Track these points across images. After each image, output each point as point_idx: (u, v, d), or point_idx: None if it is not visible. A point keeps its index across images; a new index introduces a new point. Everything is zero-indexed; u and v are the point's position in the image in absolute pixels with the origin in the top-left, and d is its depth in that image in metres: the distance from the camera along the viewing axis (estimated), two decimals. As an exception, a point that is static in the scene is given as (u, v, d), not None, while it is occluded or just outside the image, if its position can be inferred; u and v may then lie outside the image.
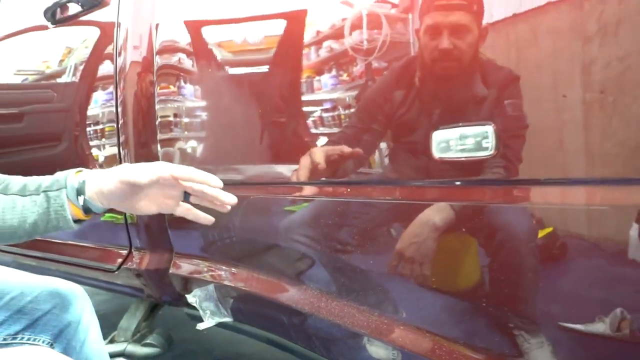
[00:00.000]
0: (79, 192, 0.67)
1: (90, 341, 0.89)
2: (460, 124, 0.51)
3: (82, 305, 0.90)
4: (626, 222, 0.43)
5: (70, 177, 0.68)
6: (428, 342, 0.58)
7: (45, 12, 1.26)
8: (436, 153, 0.53)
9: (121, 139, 1.17)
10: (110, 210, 0.79)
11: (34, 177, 0.72)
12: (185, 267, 1.11)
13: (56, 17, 1.26)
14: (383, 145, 0.63)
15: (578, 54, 0.47)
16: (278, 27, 0.89)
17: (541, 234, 0.49)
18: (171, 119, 1.12)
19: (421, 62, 0.57)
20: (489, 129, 0.48)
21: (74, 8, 1.22)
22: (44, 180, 0.70)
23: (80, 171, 0.71)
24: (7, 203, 0.68)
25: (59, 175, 0.70)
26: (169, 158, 1.10)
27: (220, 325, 1.04)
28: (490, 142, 0.48)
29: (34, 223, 0.67)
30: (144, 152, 1.14)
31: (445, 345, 0.57)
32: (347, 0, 0.71)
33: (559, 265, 0.49)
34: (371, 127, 0.63)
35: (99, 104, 1.29)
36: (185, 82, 1.10)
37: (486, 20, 0.52)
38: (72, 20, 1.25)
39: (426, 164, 0.55)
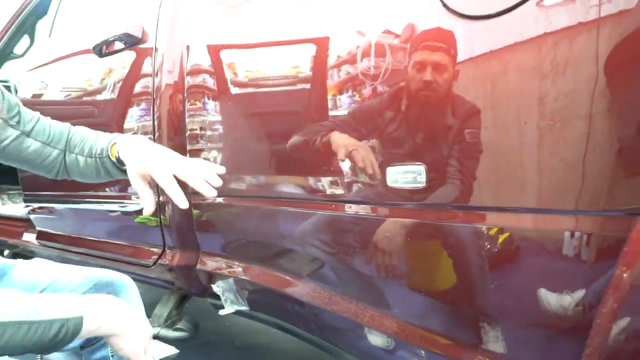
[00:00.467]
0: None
1: None
2: (403, 164, 0.67)
3: (131, 294, 1.01)
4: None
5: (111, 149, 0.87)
6: (392, 322, 0.74)
7: (94, 48, 1.40)
8: (389, 183, 0.69)
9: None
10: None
11: (87, 137, 0.92)
12: (209, 263, 1.23)
13: (102, 52, 1.40)
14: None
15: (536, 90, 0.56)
16: (288, 52, 1.00)
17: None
18: (198, 132, 1.22)
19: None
20: (422, 169, 0.64)
21: (118, 44, 1.35)
22: (94, 146, 0.90)
23: (114, 144, 0.87)
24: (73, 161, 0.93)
25: (103, 144, 0.88)
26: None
27: (237, 312, 1.18)
28: (422, 178, 0.64)
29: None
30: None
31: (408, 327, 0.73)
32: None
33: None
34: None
35: (135, 118, 1.39)
36: (209, 100, 1.19)
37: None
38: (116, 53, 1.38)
39: (384, 190, 0.71)
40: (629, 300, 0.45)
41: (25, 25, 2.42)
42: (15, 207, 2.42)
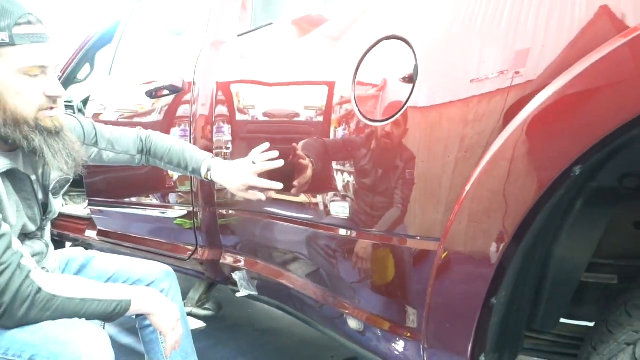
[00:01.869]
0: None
1: (175, 302, 1.19)
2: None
3: (171, 281, 1.24)
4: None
5: (202, 169, 1.22)
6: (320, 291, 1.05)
7: (146, 93, 1.69)
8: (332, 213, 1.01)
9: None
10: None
11: (174, 150, 1.25)
12: (229, 259, 1.49)
13: (152, 96, 1.69)
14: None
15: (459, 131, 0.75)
16: (285, 90, 1.20)
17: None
18: (222, 150, 1.44)
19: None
20: (347, 205, 0.96)
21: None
22: (188, 162, 1.24)
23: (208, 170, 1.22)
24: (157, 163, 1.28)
25: (195, 162, 1.23)
26: None
27: (249, 296, 1.45)
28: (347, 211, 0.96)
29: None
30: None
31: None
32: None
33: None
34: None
35: (175, 137, 1.58)
36: (229, 124, 1.40)
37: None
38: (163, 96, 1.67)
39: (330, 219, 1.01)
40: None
41: (87, 55, 2.79)
42: (77, 208, 2.62)
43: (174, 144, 1.30)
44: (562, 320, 0.94)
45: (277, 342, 2.10)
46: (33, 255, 0.99)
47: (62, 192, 1.12)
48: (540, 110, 0.65)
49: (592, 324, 0.90)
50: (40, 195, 1.03)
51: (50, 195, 1.07)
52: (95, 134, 1.24)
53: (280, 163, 1.13)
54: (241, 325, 2.28)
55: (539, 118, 0.66)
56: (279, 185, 1.13)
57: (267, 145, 1.17)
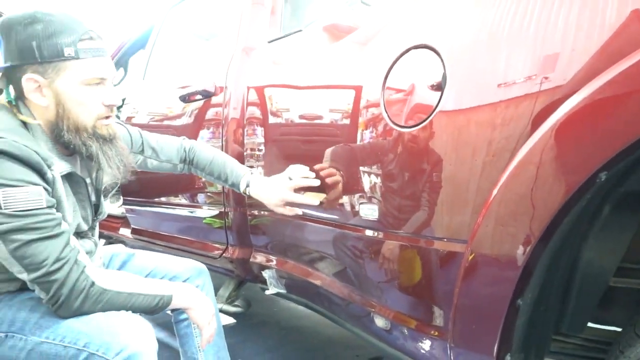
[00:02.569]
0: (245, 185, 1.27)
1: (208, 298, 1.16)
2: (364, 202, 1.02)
3: (204, 278, 1.29)
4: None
5: (242, 184, 1.27)
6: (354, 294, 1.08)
7: (180, 98, 1.75)
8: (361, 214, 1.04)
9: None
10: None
11: (215, 162, 1.30)
12: (259, 258, 1.52)
13: (185, 100, 1.74)
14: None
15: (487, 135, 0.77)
16: (313, 94, 1.23)
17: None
18: (252, 151, 1.48)
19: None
20: (376, 207, 0.99)
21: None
22: (228, 175, 1.29)
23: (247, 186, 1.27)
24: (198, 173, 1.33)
25: (235, 177, 1.28)
26: None
27: (277, 294, 1.49)
28: (376, 214, 0.99)
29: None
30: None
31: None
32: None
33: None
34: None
35: (206, 139, 1.67)
36: (260, 127, 1.45)
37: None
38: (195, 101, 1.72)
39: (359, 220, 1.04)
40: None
41: (122, 60, 2.90)
42: (112, 206, 2.65)
43: (216, 156, 1.35)
44: (590, 324, 0.94)
45: (303, 340, 2.13)
46: None
47: (110, 194, 1.19)
48: (569, 115, 0.66)
49: (619, 329, 0.90)
50: (93, 197, 1.10)
51: (102, 197, 1.14)
52: (142, 142, 1.31)
53: (317, 182, 1.17)
54: (268, 322, 2.32)
55: (568, 123, 0.67)
56: (315, 201, 1.16)
57: (306, 168, 1.22)
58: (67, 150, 1.02)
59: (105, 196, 1.16)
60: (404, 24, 1.00)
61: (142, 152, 1.31)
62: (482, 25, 0.83)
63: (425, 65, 0.91)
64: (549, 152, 0.69)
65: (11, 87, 0.96)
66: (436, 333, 0.92)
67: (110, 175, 1.09)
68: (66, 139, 0.96)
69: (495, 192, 0.76)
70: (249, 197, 1.29)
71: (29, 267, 0.86)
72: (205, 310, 1.08)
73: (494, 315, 0.77)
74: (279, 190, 1.23)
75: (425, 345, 0.95)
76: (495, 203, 0.76)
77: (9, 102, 0.97)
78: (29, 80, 0.93)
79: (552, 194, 0.69)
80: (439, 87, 0.87)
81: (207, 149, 1.37)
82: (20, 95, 0.96)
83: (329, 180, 1.17)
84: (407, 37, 0.97)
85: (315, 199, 1.17)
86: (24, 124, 0.96)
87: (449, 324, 0.85)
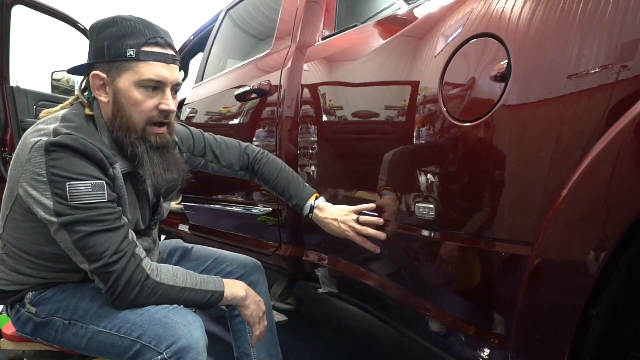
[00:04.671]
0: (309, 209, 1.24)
1: (262, 295, 1.26)
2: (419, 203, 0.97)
3: (259, 275, 1.31)
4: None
5: (305, 208, 1.25)
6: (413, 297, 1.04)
7: (236, 97, 1.79)
8: (417, 214, 0.99)
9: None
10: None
11: (280, 179, 1.27)
12: (312, 256, 1.52)
13: (242, 99, 1.78)
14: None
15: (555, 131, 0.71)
16: (367, 91, 1.20)
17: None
18: (306, 150, 1.48)
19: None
20: (433, 206, 0.94)
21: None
22: (292, 195, 1.25)
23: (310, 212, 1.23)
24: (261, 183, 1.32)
25: (299, 199, 1.24)
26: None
27: (329, 293, 1.48)
28: (433, 213, 0.94)
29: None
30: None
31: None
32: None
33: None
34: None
35: (261, 138, 1.71)
36: (314, 125, 1.43)
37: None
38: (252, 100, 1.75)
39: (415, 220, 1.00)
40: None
41: (182, 63, 2.94)
42: (172, 203, 2.75)
43: (282, 172, 1.31)
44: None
45: (354, 340, 2.11)
46: None
47: (171, 196, 1.22)
48: (652, 108, 0.60)
49: None
50: (152, 198, 1.13)
51: (161, 198, 1.17)
52: (204, 146, 1.31)
53: (383, 236, 1.11)
54: (320, 322, 2.32)
55: (651, 117, 0.60)
56: (382, 236, 1.11)
57: (373, 206, 1.16)
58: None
59: (165, 197, 1.19)
60: (464, 13, 0.95)
61: (203, 155, 1.31)
62: (552, 11, 0.77)
63: (488, 55, 0.86)
64: (628, 149, 0.63)
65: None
66: (497, 341, 0.86)
67: (149, 180, 1.04)
68: (116, 135, 0.99)
69: (565, 192, 0.70)
70: (310, 221, 1.26)
71: (90, 258, 0.90)
72: (257, 309, 1.08)
73: (563, 326, 0.71)
74: (344, 225, 1.17)
75: (484, 353, 0.90)
76: (565, 204, 0.70)
77: (88, 99, 1.03)
78: (95, 77, 0.98)
79: (631, 195, 0.63)
80: (503, 77, 0.82)
81: (274, 163, 1.33)
82: (90, 92, 1.01)
83: (384, 176, 1.13)
84: (468, 27, 0.92)
85: (381, 234, 1.12)
86: (94, 121, 1.00)
87: (511, 332, 0.80)
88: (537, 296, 0.74)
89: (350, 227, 1.16)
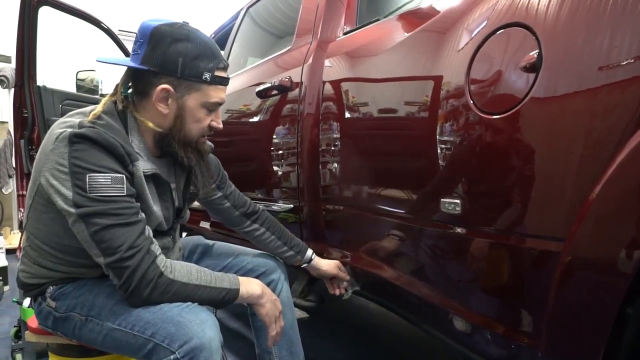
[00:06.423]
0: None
1: (283, 292, 1.29)
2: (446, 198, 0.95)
3: (280, 273, 1.31)
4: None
5: (302, 254, 1.38)
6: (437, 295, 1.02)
7: (258, 93, 1.79)
8: (443, 209, 0.97)
9: (299, 160, 1.56)
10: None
11: (283, 233, 1.39)
12: (333, 253, 1.50)
13: (262, 95, 1.78)
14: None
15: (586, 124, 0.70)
16: (388, 87, 1.19)
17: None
18: (327, 147, 1.45)
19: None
20: (459, 201, 0.92)
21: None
22: (290, 243, 1.39)
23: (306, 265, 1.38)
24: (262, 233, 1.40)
25: (300, 257, 1.38)
26: (325, 174, 1.46)
27: (353, 291, 1.46)
28: (459, 208, 0.92)
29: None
30: (312, 168, 1.52)
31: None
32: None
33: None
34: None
35: (281, 135, 1.69)
36: (335, 121, 1.41)
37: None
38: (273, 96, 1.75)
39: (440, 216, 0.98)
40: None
41: None
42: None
43: (275, 238, 1.41)
44: None
45: (376, 339, 2.10)
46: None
47: (192, 202, 1.26)
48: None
49: None
50: (176, 202, 1.15)
51: (186, 202, 1.19)
52: (220, 176, 1.36)
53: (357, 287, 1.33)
54: (341, 320, 2.32)
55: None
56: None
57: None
58: (158, 151, 1.08)
59: (190, 202, 1.21)
60: (491, 3, 0.93)
61: (222, 188, 1.36)
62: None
63: (517, 46, 0.83)
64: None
65: (132, 84, 1.04)
66: (525, 340, 0.84)
67: (202, 187, 1.17)
68: (172, 148, 1.05)
69: (597, 188, 0.68)
70: (304, 269, 1.43)
71: (105, 251, 0.90)
72: (272, 308, 1.07)
73: (597, 325, 0.68)
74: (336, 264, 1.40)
75: (512, 352, 0.88)
76: (597, 200, 0.68)
77: (125, 96, 1.04)
78: (162, 90, 1.00)
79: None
80: (533, 68, 0.79)
81: (277, 224, 1.43)
82: (139, 94, 1.03)
83: (409, 172, 1.12)
84: (496, 16, 0.90)
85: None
86: (124, 119, 1.02)
87: (541, 331, 0.78)
88: (569, 294, 0.72)
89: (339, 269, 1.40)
